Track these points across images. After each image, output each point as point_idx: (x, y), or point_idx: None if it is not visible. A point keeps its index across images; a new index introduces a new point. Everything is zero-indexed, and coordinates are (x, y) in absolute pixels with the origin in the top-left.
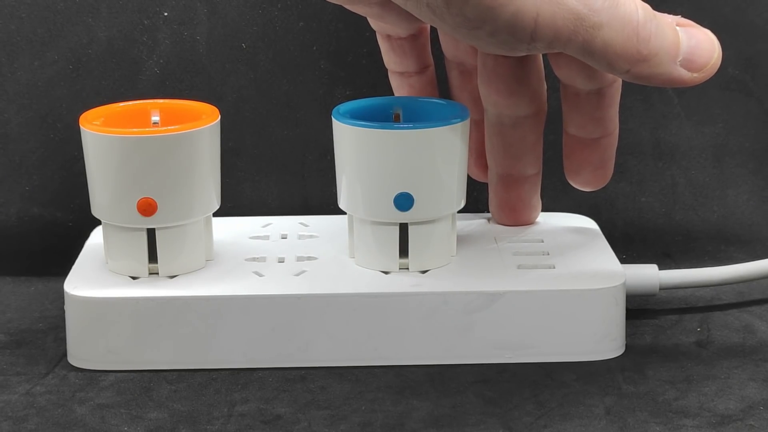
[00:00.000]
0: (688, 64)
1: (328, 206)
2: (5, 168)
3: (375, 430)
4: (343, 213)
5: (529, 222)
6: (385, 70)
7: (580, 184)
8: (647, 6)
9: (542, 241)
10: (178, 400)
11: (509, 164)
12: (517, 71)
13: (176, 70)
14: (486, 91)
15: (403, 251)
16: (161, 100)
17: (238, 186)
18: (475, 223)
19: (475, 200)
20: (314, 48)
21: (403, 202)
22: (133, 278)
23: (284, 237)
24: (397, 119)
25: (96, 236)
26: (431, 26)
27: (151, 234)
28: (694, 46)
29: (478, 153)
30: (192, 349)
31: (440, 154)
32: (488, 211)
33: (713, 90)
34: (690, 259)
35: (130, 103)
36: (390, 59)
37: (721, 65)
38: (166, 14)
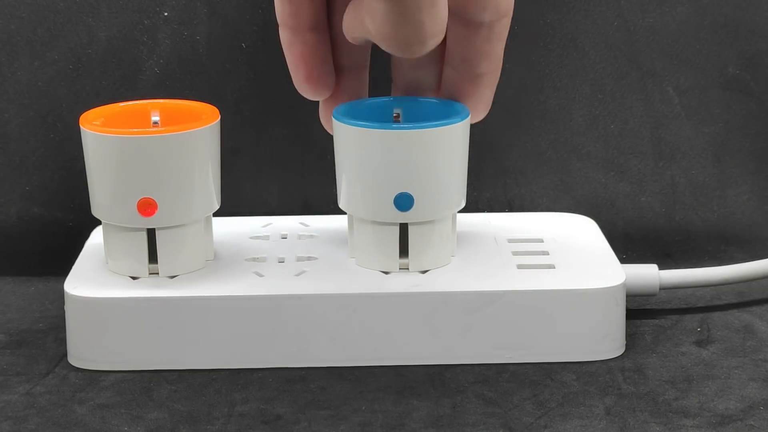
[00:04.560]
0: None
1: (328, 206)
2: (5, 168)
3: (375, 430)
4: (343, 213)
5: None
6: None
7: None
8: None
9: (542, 241)
10: (178, 400)
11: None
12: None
13: (176, 70)
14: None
15: (403, 251)
16: (161, 100)
17: (238, 186)
18: (475, 223)
19: (475, 200)
20: None
21: (403, 202)
22: (133, 278)
23: (284, 237)
24: (397, 119)
25: (96, 236)
26: None
27: (151, 234)
28: None
29: (311, 65)
30: (192, 349)
31: (440, 154)
32: (488, 211)
33: (713, 90)
34: (690, 259)
35: (130, 103)
36: (284, 10)
37: (721, 64)
38: (166, 14)
